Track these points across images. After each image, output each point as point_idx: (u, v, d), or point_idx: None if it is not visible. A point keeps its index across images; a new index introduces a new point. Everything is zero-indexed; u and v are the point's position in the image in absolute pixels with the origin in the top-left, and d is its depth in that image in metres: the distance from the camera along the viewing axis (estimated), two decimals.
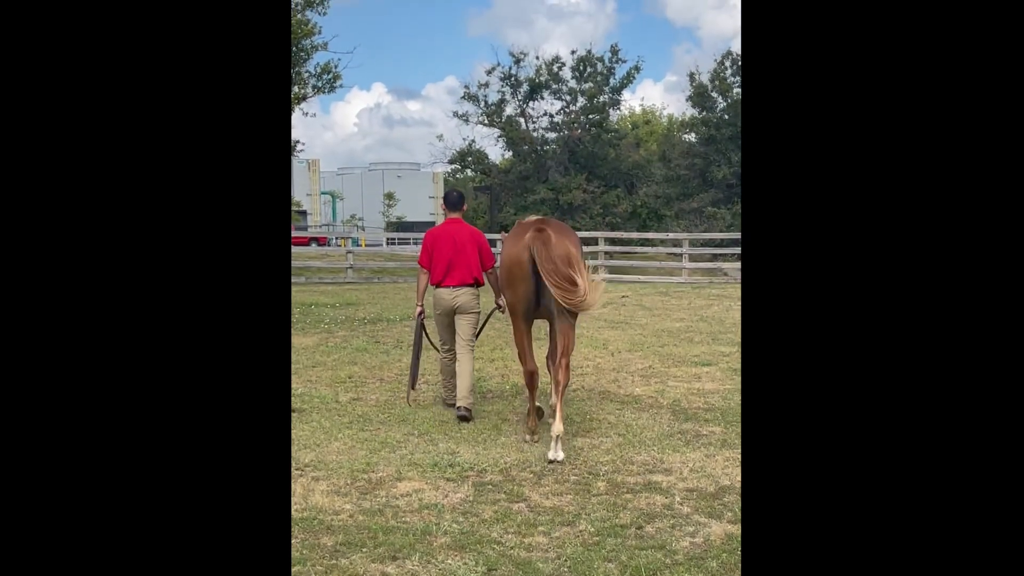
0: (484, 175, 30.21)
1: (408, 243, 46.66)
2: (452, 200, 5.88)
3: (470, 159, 29.55)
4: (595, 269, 17.90)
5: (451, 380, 5.84)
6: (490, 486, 4.15)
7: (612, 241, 20.32)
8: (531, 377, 5.14)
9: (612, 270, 18.51)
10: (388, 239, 37.12)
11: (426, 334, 6.11)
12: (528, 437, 5.09)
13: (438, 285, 5.69)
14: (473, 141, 29.55)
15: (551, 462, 4.55)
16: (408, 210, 48.77)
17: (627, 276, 18.03)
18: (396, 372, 7.26)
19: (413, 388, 6.03)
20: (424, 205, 59.61)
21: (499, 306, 5.82)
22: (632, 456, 4.69)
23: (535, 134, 28.67)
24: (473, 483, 4.19)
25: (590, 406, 5.95)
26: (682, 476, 4.30)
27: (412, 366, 6.01)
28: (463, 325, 5.68)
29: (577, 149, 27.86)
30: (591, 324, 10.40)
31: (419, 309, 6.00)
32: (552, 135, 28.82)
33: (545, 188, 26.69)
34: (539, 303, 4.97)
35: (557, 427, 4.65)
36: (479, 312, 5.77)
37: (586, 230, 23.68)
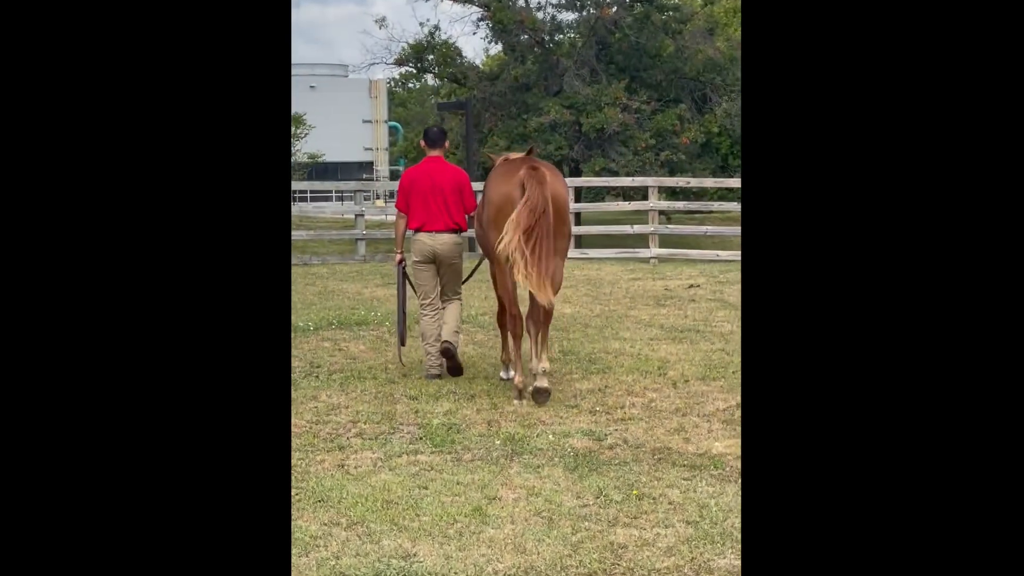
0: (456, 84, 30.11)
1: (330, 198, 46.66)
2: (432, 136, 8.51)
3: (432, 58, 29.43)
4: (645, 241, 17.85)
5: (435, 344, 8.30)
6: None
7: (671, 193, 20.29)
8: (515, 322, 7.72)
9: (670, 242, 18.46)
10: (298, 193, 36.97)
11: (409, 282, 8.70)
12: (516, 401, 7.55)
13: (417, 230, 8.23)
14: (437, 28, 29.53)
15: (538, 390, 7.46)
16: (329, 142, 48.44)
17: (695, 251, 18.00)
18: (310, 420, 7.22)
19: (403, 344, 8.76)
20: (356, 134, 59.23)
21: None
22: (710, 560, 4.69)
23: (540, 15, 28.55)
24: None
25: (638, 472, 5.95)
26: None
27: (399, 321, 8.70)
28: (447, 277, 8.35)
29: (611, 40, 27.74)
30: (640, 334, 10.48)
31: (399, 256, 8.77)
32: (569, 16, 28.77)
33: (558, 105, 26.61)
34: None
35: (543, 365, 7.55)
36: (462, 261, 8.43)
37: (627, 174, 23.61)
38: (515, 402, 7.49)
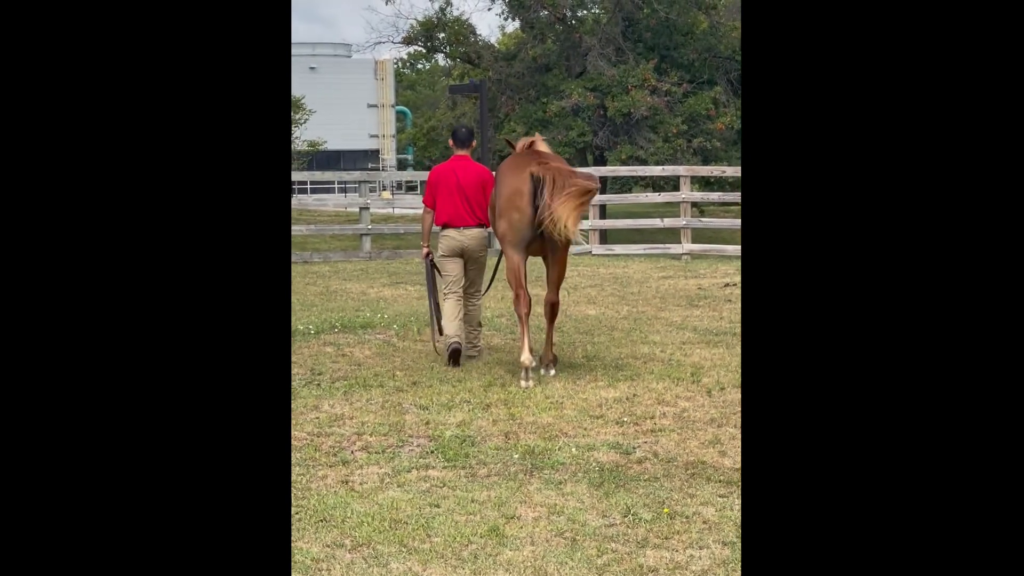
0: (470, 64, 30.09)
1: (332, 190, 46.72)
2: (460, 136, 9.75)
3: (443, 36, 29.43)
4: (676, 235, 17.79)
5: (454, 325, 9.42)
6: None
7: (705, 183, 20.21)
8: (521, 301, 8.77)
9: (704, 236, 18.39)
10: (297, 184, 37.09)
11: (438, 272, 9.80)
12: (523, 384, 8.46)
13: (445, 226, 9.42)
14: (448, 4, 29.59)
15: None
16: (331, 129, 48.51)
17: (731, 247, 17.95)
18: (311, 432, 7.23)
19: (441, 333, 9.51)
20: (360, 120, 59.22)
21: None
22: None
23: None
24: None
25: (669, 489, 5.96)
26: None
27: (432, 311, 9.82)
28: (472, 272, 9.61)
29: (638, 16, 27.69)
30: (672, 338, 10.44)
31: (426, 250, 10.06)
32: None
33: (581, 87, 26.60)
34: (534, 234, 8.61)
35: (547, 355, 8.99)
36: (486, 256, 9.74)
37: (657, 163, 23.58)
38: (522, 383, 8.45)
